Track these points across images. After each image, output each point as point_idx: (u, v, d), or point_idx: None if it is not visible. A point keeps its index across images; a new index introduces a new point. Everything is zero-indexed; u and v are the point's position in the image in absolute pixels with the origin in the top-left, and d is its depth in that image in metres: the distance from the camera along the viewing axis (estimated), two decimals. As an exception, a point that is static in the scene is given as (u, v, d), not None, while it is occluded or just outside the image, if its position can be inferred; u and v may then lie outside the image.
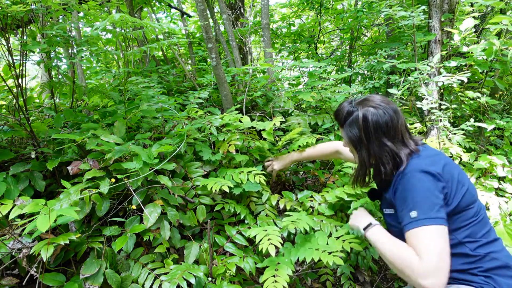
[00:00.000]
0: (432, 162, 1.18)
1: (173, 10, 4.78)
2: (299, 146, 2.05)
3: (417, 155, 1.22)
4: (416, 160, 1.21)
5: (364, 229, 1.32)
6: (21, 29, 1.96)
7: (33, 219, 1.34)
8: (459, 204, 1.16)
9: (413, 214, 1.10)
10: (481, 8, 3.37)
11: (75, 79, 2.32)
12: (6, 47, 1.81)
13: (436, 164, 1.17)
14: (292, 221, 1.60)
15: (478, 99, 2.60)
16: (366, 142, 1.25)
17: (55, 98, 2.39)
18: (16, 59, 1.92)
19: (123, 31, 1.81)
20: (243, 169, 1.97)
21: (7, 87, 1.95)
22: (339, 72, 4.10)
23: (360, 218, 1.40)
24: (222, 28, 4.01)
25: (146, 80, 2.44)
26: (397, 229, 1.24)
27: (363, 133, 1.24)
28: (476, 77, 3.01)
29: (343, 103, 1.32)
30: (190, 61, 4.07)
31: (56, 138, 1.89)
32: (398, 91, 2.47)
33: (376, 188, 1.46)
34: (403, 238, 1.18)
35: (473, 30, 3.21)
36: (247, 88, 2.75)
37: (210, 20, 3.04)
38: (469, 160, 2.46)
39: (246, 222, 1.87)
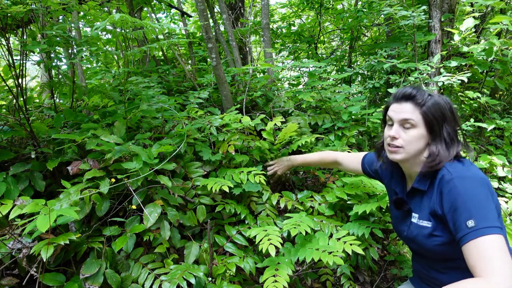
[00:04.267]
0: (477, 171, 1.11)
1: (173, 10, 4.79)
2: (299, 146, 2.05)
3: (462, 163, 1.16)
4: (464, 167, 1.14)
5: None
6: (21, 29, 1.96)
7: (33, 219, 1.34)
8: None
9: (470, 223, 1.00)
10: (481, 8, 3.37)
11: (75, 79, 2.32)
12: (6, 47, 1.81)
13: (480, 174, 1.10)
14: (293, 225, 1.59)
15: (478, 99, 2.60)
16: (449, 119, 1.19)
17: (55, 98, 2.39)
18: (16, 59, 1.92)
19: (123, 31, 1.81)
20: (243, 169, 1.97)
21: (7, 87, 1.95)
22: (339, 72, 4.10)
23: None
24: (222, 28, 4.01)
25: (146, 80, 2.44)
26: (438, 241, 1.15)
27: (447, 111, 1.18)
28: (476, 77, 3.01)
29: (414, 87, 1.23)
30: (190, 61, 4.07)
31: (56, 138, 1.89)
32: (398, 91, 2.47)
33: (401, 196, 1.35)
34: (446, 250, 1.12)
35: (473, 30, 3.21)
36: (247, 88, 2.75)
37: (210, 20, 3.04)
38: (469, 160, 2.46)
39: (246, 222, 1.87)
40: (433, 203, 1.15)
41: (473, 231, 0.98)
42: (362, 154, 1.69)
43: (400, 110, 1.20)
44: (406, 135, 1.19)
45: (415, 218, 1.24)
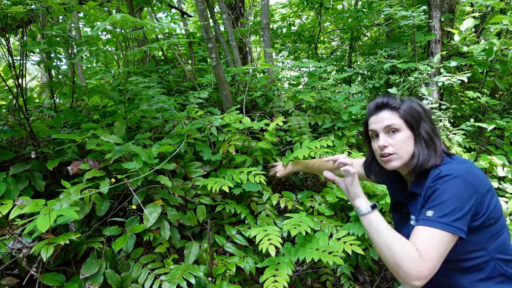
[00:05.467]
0: (468, 170, 1.12)
1: (173, 10, 4.79)
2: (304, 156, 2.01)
3: (454, 160, 1.18)
4: (457, 165, 1.14)
5: (365, 210, 1.18)
6: (21, 29, 1.96)
7: (33, 219, 1.34)
8: (490, 214, 1.10)
9: (429, 213, 1.07)
10: (481, 8, 3.37)
11: (75, 79, 2.32)
12: (6, 47, 1.81)
13: (472, 172, 1.12)
14: (293, 225, 1.59)
15: (478, 99, 2.60)
16: (425, 118, 1.22)
17: (55, 98, 2.39)
18: (16, 59, 1.92)
19: (123, 31, 1.81)
20: (243, 169, 1.97)
21: (7, 87, 1.95)
22: (339, 72, 4.10)
23: (358, 191, 1.25)
24: (222, 28, 4.01)
25: (146, 80, 2.44)
26: None
27: (422, 111, 1.23)
28: (476, 77, 3.01)
29: (385, 95, 1.28)
30: (190, 61, 4.07)
31: (56, 138, 1.89)
32: (398, 91, 2.47)
33: (399, 199, 1.36)
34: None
35: (473, 30, 3.22)
36: (247, 88, 2.75)
37: (210, 20, 3.04)
38: (469, 160, 2.46)
39: (246, 222, 1.87)
40: (423, 200, 1.17)
41: (426, 220, 1.06)
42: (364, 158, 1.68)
43: (380, 119, 1.24)
44: (394, 140, 1.21)
45: (413, 221, 1.25)
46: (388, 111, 1.23)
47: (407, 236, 1.25)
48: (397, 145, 1.21)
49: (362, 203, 1.21)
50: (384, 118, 1.23)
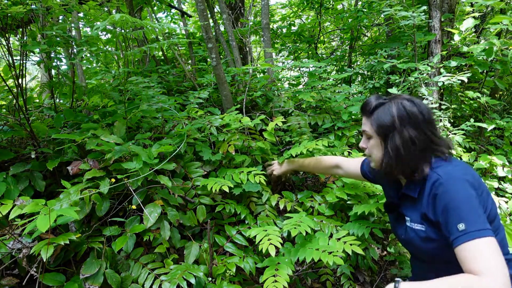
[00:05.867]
0: (466, 171, 1.11)
1: (173, 10, 4.79)
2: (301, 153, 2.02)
3: (449, 162, 1.16)
4: (453, 167, 1.13)
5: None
6: (21, 29, 1.96)
7: (33, 219, 1.34)
8: (489, 215, 1.10)
9: (461, 226, 1.01)
10: (481, 8, 3.37)
11: (75, 79, 2.32)
12: (6, 47, 1.81)
13: (469, 173, 1.11)
14: (293, 225, 1.59)
15: (478, 99, 2.60)
16: (400, 128, 1.15)
17: (55, 98, 2.39)
18: (16, 59, 1.92)
19: (123, 31, 1.81)
20: (243, 169, 1.97)
21: (7, 87, 1.95)
22: (339, 72, 4.10)
23: None
24: (222, 28, 4.01)
25: (146, 80, 2.44)
26: (434, 245, 1.15)
27: (397, 119, 1.16)
28: (476, 77, 3.01)
29: (370, 97, 1.25)
30: (190, 61, 4.07)
31: (56, 138, 1.89)
32: (398, 91, 2.47)
33: (392, 200, 1.36)
34: (443, 253, 1.12)
35: (473, 30, 3.21)
36: (247, 88, 2.75)
37: (210, 20, 3.04)
38: (469, 160, 2.46)
39: (246, 222, 1.87)
40: (424, 207, 1.16)
41: (464, 234, 1.00)
42: (362, 158, 1.69)
43: (363, 123, 1.29)
44: (368, 145, 1.27)
45: (408, 222, 1.25)
46: (365, 116, 1.27)
47: (405, 235, 1.27)
48: (369, 150, 1.28)
49: None
50: (363, 123, 1.28)
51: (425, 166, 1.17)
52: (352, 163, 1.71)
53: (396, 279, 1.07)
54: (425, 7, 2.61)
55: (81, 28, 3.38)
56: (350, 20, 4.20)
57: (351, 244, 1.59)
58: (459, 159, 1.24)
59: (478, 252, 0.97)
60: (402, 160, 1.16)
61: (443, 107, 2.54)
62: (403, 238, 1.29)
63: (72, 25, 2.26)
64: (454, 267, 1.13)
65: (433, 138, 1.17)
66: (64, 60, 2.07)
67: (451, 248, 1.05)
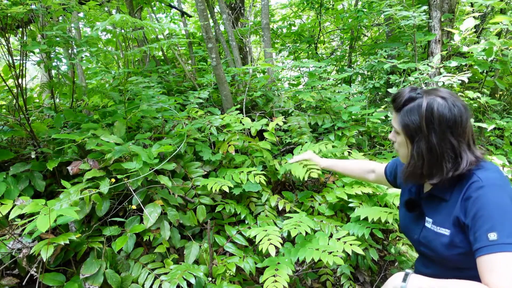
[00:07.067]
0: (506, 180, 1.02)
1: (173, 10, 4.79)
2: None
3: (486, 164, 1.06)
4: (493, 173, 1.04)
5: (404, 280, 1.01)
6: (21, 29, 1.96)
7: (33, 219, 1.34)
8: None
9: (492, 236, 0.92)
10: (481, 8, 3.37)
11: (75, 79, 2.32)
12: (6, 47, 1.81)
13: (507, 183, 1.01)
14: (293, 225, 1.59)
15: (478, 99, 2.60)
16: (427, 133, 1.05)
17: (55, 98, 2.39)
18: (16, 59, 1.92)
19: (123, 31, 1.81)
20: (243, 169, 1.97)
21: (7, 87, 1.95)
22: (339, 72, 4.10)
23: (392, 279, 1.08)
24: (222, 28, 4.01)
25: (146, 80, 2.45)
26: (454, 251, 1.06)
27: (424, 122, 1.05)
28: (476, 77, 3.00)
29: (404, 88, 1.13)
30: (190, 61, 4.07)
31: (56, 138, 1.89)
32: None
33: (416, 198, 1.25)
34: (459, 259, 1.04)
35: (473, 30, 3.21)
36: (247, 88, 2.75)
37: (210, 20, 3.04)
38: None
39: (246, 222, 1.87)
40: (457, 210, 1.06)
41: (494, 245, 0.91)
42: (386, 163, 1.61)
43: (392, 116, 1.18)
44: (396, 139, 1.17)
45: (429, 223, 1.16)
46: (394, 110, 1.15)
47: (420, 236, 1.18)
48: (397, 146, 1.18)
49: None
50: (392, 116, 1.17)
51: (457, 168, 1.06)
52: (378, 168, 1.62)
53: (407, 270, 1.01)
54: (425, 7, 2.61)
55: (81, 28, 3.38)
56: (350, 20, 4.20)
57: (351, 244, 1.58)
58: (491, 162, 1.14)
59: (506, 266, 0.89)
60: (428, 165, 1.08)
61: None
62: (417, 238, 1.21)
63: (72, 25, 2.26)
64: (464, 275, 1.04)
65: (461, 149, 1.06)
66: (64, 60, 2.07)
67: (470, 256, 0.98)
